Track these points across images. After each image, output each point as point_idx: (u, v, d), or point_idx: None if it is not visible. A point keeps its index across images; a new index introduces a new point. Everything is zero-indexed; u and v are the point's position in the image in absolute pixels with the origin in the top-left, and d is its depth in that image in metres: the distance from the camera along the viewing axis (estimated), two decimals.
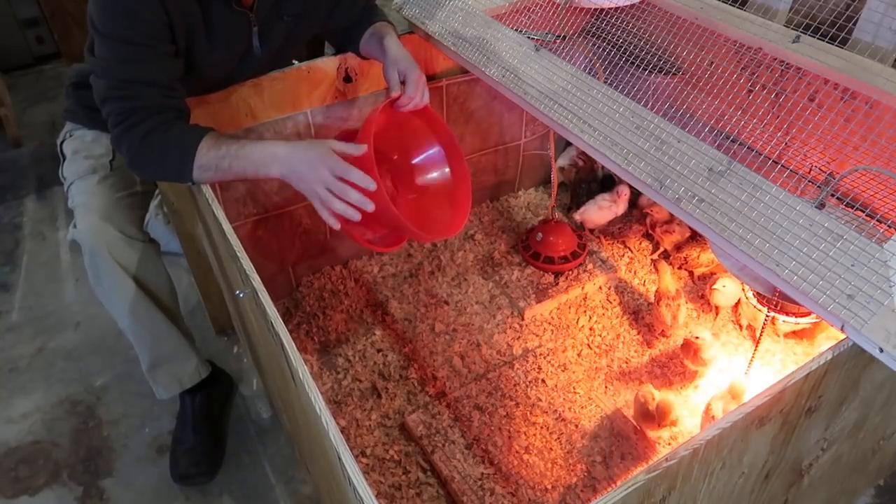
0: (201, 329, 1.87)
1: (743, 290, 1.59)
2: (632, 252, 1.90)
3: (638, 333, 1.68)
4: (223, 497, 1.53)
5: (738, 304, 1.65)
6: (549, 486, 1.37)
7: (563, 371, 1.59)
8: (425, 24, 1.46)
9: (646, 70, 1.21)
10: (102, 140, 1.43)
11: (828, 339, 1.59)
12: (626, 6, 1.36)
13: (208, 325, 1.88)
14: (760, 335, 1.40)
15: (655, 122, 1.02)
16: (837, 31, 1.06)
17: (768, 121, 1.19)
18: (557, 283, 1.79)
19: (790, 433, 0.94)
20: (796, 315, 1.48)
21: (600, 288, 1.81)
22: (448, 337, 1.69)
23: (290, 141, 1.19)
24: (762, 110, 1.19)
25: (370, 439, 1.48)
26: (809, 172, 1.16)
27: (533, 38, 1.28)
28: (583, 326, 1.70)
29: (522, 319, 1.72)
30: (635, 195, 1.92)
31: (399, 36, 1.45)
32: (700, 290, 1.77)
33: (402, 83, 1.30)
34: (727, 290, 1.60)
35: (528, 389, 1.55)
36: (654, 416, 1.37)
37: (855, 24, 1.10)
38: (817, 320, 1.51)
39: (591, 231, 1.94)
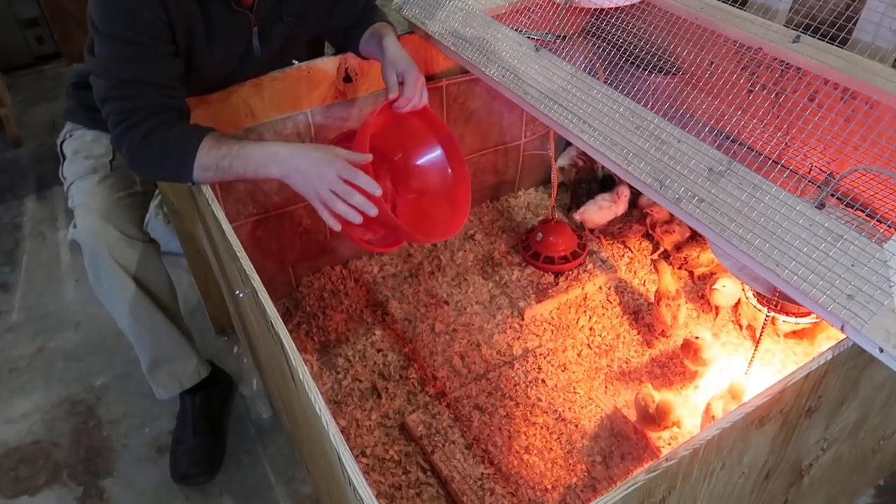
0: (201, 329, 1.87)
1: (743, 290, 1.59)
2: (632, 252, 1.90)
3: (638, 333, 1.68)
4: (223, 497, 1.53)
5: (738, 304, 1.65)
6: (549, 486, 1.37)
7: (563, 371, 1.59)
8: (425, 24, 1.46)
9: (646, 70, 1.21)
10: (102, 140, 1.43)
11: (828, 339, 1.59)
12: (626, 6, 1.36)
13: (208, 325, 1.88)
14: (760, 335, 1.40)
15: (655, 122, 1.02)
16: (837, 31, 1.06)
17: (768, 121, 1.19)
18: (557, 283, 1.79)
19: (790, 433, 0.94)
20: (796, 315, 1.48)
21: (600, 288, 1.81)
22: (448, 337, 1.69)
23: (291, 143, 1.19)
24: (762, 110, 1.19)
25: (370, 439, 1.48)
26: (809, 172, 1.16)
27: (533, 38, 1.28)
28: (583, 326, 1.70)
29: (522, 319, 1.72)
30: (635, 195, 1.92)
31: (399, 36, 1.45)
32: (700, 290, 1.77)
33: (401, 84, 1.30)
34: (727, 290, 1.60)
35: (528, 389, 1.55)
36: (656, 418, 1.37)
37: (855, 24, 1.10)
38: (817, 320, 1.51)
39: (591, 231, 1.94)
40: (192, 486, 1.54)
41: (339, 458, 0.75)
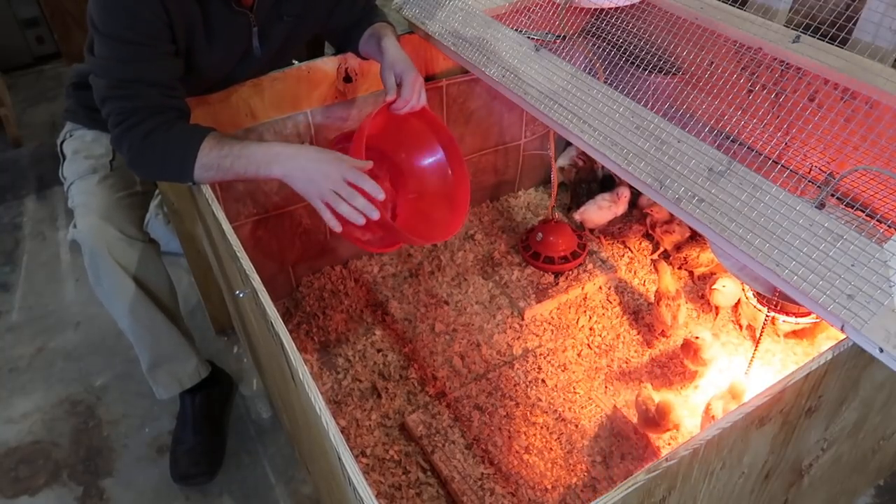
0: (201, 329, 1.87)
1: (743, 290, 1.59)
2: (632, 252, 1.90)
3: (638, 333, 1.68)
4: (223, 497, 1.53)
5: (738, 304, 1.65)
6: (549, 486, 1.37)
7: (563, 371, 1.59)
8: (425, 24, 1.46)
9: (646, 70, 1.21)
10: (102, 140, 1.43)
11: (828, 339, 1.59)
12: (626, 6, 1.36)
13: (208, 325, 1.88)
14: (760, 335, 1.40)
15: (655, 122, 1.02)
16: (837, 31, 1.06)
17: (768, 121, 1.19)
18: (557, 283, 1.79)
19: (790, 433, 0.94)
20: (796, 315, 1.48)
21: (600, 288, 1.81)
22: (448, 337, 1.69)
23: (293, 143, 1.20)
24: (762, 110, 1.19)
25: (370, 439, 1.48)
26: (809, 172, 1.16)
27: (533, 38, 1.28)
28: (583, 326, 1.70)
29: (522, 319, 1.72)
30: (635, 195, 1.92)
31: (399, 36, 1.45)
32: (700, 290, 1.77)
33: (399, 86, 1.30)
34: (727, 290, 1.60)
35: (528, 389, 1.55)
36: (657, 420, 1.37)
37: (855, 24, 1.10)
38: (817, 320, 1.51)
39: (591, 231, 1.94)
40: (192, 486, 1.54)
41: (339, 458, 0.75)
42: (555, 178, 1.83)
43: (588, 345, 1.66)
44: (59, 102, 2.84)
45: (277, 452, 1.60)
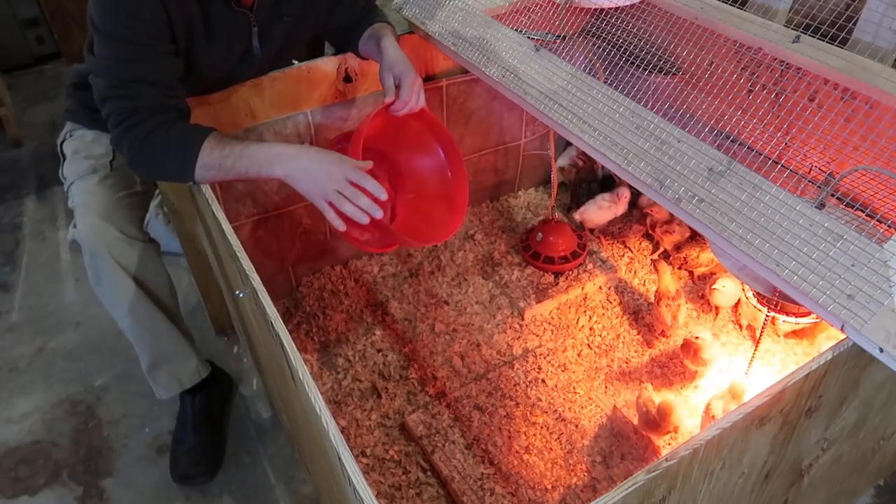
0: (201, 329, 1.87)
1: (743, 290, 1.59)
2: (632, 252, 1.90)
3: (638, 333, 1.68)
4: (223, 497, 1.53)
5: (738, 304, 1.65)
6: (549, 486, 1.37)
7: (563, 371, 1.59)
8: (425, 24, 1.46)
9: (646, 70, 1.21)
10: (102, 140, 1.43)
11: (828, 339, 1.59)
12: (626, 6, 1.36)
13: (208, 325, 1.88)
14: (760, 335, 1.40)
15: (655, 122, 1.02)
16: (837, 31, 1.06)
17: (768, 121, 1.19)
18: (557, 283, 1.79)
19: (790, 433, 0.94)
20: (796, 315, 1.48)
21: (600, 288, 1.81)
22: (448, 337, 1.69)
23: (294, 144, 1.20)
24: (762, 110, 1.19)
25: (370, 439, 1.48)
26: (809, 172, 1.16)
27: (533, 38, 1.28)
28: (583, 326, 1.70)
29: (522, 319, 1.72)
30: (635, 195, 1.92)
31: (398, 37, 1.45)
32: (700, 290, 1.77)
33: (398, 87, 1.30)
34: (727, 290, 1.60)
35: (528, 389, 1.55)
36: (659, 424, 1.37)
37: (855, 24, 1.10)
38: (817, 320, 1.51)
39: (591, 231, 1.94)
40: (192, 486, 1.54)
41: (339, 458, 0.75)
42: (555, 178, 1.83)
43: (588, 345, 1.66)
44: (59, 102, 2.84)
45: (277, 452, 1.60)
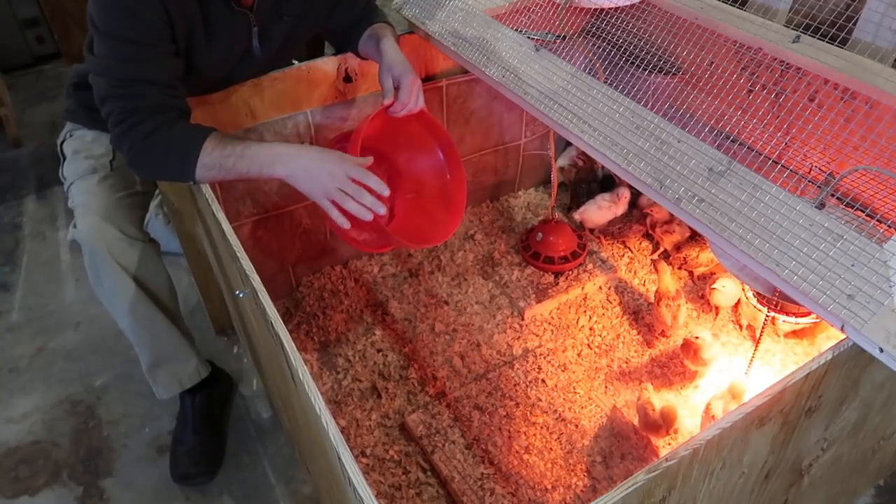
0: (201, 329, 1.87)
1: (743, 290, 1.59)
2: (632, 252, 1.90)
3: (638, 333, 1.68)
4: (223, 497, 1.53)
5: (738, 304, 1.65)
6: (549, 486, 1.37)
7: (563, 371, 1.59)
8: (425, 24, 1.46)
9: (646, 70, 1.21)
10: (102, 140, 1.43)
11: (828, 339, 1.59)
12: (626, 6, 1.36)
13: (208, 325, 1.88)
14: (760, 335, 1.40)
15: (655, 122, 1.02)
16: (837, 31, 1.05)
17: (768, 121, 1.19)
18: (557, 283, 1.79)
19: (790, 433, 0.94)
20: (796, 315, 1.48)
21: (600, 288, 1.81)
22: (448, 337, 1.69)
23: (294, 143, 1.21)
24: (762, 110, 1.19)
25: (370, 439, 1.48)
26: (809, 172, 1.16)
27: (533, 38, 1.28)
28: (583, 326, 1.70)
29: (522, 319, 1.72)
30: (635, 195, 1.93)
31: (398, 37, 1.45)
32: (700, 290, 1.77)
33: (397, 89, 1.30)
34: (727, 290, 1.60)
35: (528, 389, 1.55)
36: (659, 426, 1.37)
37: (855, 24, 1.10)
38: (817, 320, 1.51)
39: (591, 231, 1.94)
40: (192, 486, 1.54)
41: (339, 458, 0.75)
42: (555, 178, 1.83)
43: (588, 345, 1.66)
44: (59, 102, 2.84)
45: (277, 452, 1.60)
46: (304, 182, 1.15)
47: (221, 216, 1.10)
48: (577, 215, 1.91)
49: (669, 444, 1.43)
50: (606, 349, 1.64)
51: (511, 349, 1.65)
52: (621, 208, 1.89)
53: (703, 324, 1.69)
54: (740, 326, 1.66)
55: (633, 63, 1.23)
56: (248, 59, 1.36)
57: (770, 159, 1.17)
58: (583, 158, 2.00)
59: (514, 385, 1.56)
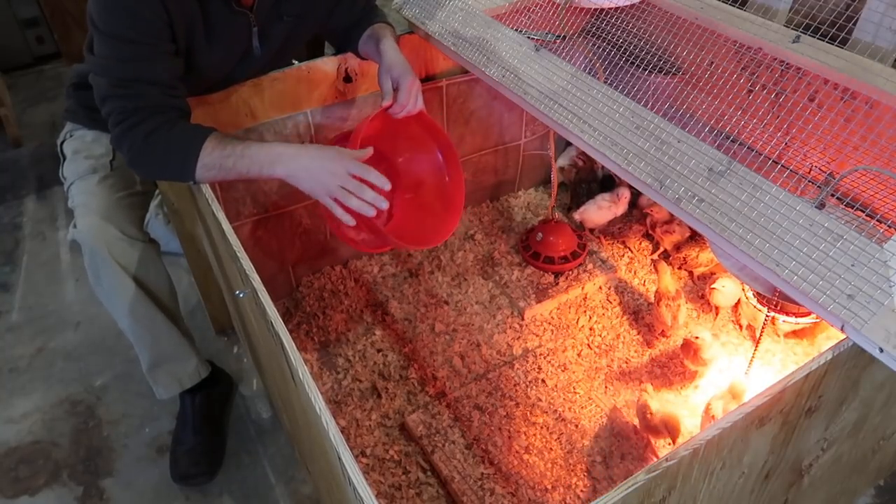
0: (201, 329, 1.87)
1: (743, 290, 1.59)
2: (632, 252, 1.90)
3: (638, 333, 1.68)
4: (223, 497, 1.53)
5: (738, 304, 1.65)
6: (549, 486, 1.37)
7: (563, 371, 1.59)
8: (425, 24, 1.46)
9: (646, 70, 1.21)
10: (103, 140, 1.43)
11: (828, 339, 1.59)
12: (626, 6, 1.36)
13: (208, 325, 1.88)
14: (760, 335, 1.40)
15: (655, 122, 1.02)
16: (837, 31, 1.05)
17: (768, 121, 1.19)
18: (557, 283, 1.79)
19: (790, 433, 0.94)
20: (796, 315, 1.48)
21: (600, 288, 1.81)
22: (448, 337, 1.69)
23: (294, 143, 1.21)
24: (762, 110, 1.19)
25: (370, 439, 1.48)
26: (809, 172, 1.16)
27: (533, 38, 1.28)
28: (583, 326, 1.70)
29: (522, 319, 1.72)
30: (635, 195, 1.93)
31: (398, 37, 1.45)
32: (700, 290, 1.77)
33: (396, 90, 1.30)
34: (727, 290, 1.60)
35: (528, 389, 1.55)
36: (659, 430, 1.37)
37: (855, 24, 1.10)
38: (817, 320, 1.51)
39: (591, 231, 1.94)
40: (192, 486, 1.54)
41: (339, 458, 0.75)
42: (555, 178, 1.83)
43: (588, 345, 1.66)
44: (59, 102, 2.84)
45: (277, 452, 1.60)
46: (306, 181, 1.16)
47: (221, 216, 1.10)
48: (577, 215, 1.91)
49: (669, 444, 1.43)
50: (606, 349, 1.64)
51: (511, 349, 1.65)
52: (621, 208, 1.89)
53: (703, 324, 1.69)
54: (740, 326, 1.66)
55: (633, 63, 1.23)
56: (248, 59, 1.36)
57: (770, 159, 1.17)
58: (583, 158, 2.00)
59: (514, 385, 1.56)
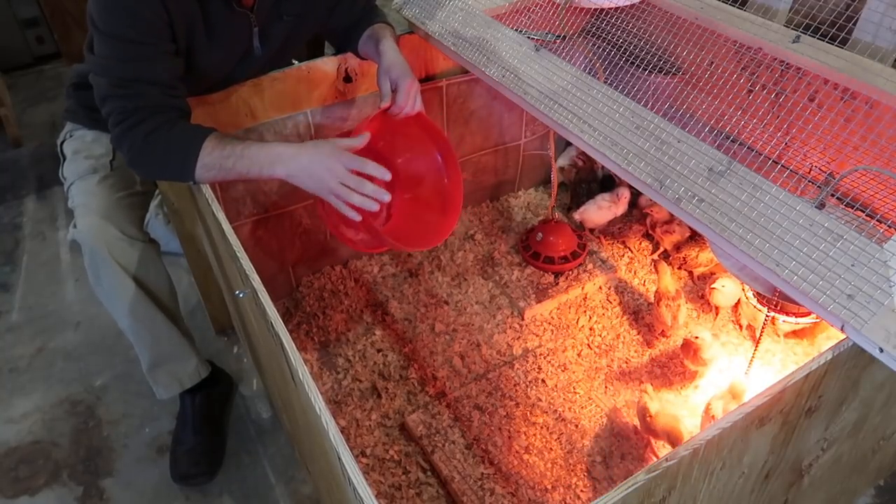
0: (201, 329, 1.87)
1: (743, 290, 1.59)
2: (632, 252, 1.90)
3: (638, 333, 1.68)
4: (223, 497, 1.53)
5: (738, 304, 1.65)
6: (549, 486, 1.37)
7: (563, 371, 1.59)
8: (425, 24, 1.46)
9: (646, 70, 1.21)
10: (103, 140, 1.43)
11: (828, 339, 1.59)
12: (626, 6, 1.36)
13: (208, 325, 1.88)
14: (760, 335, 1.40)
15: (655, 122, 1.02)
16: (837, 31, 1.05)
17: (768, 121, 1.19)
18: (557, 283, 1.79)
19: (790, 433, 0.94)
20: (796, 315, 1.48)
21: (600, 288, 1.81)
22: (448, 337, 1.69)
23: (293, 143, 1.21)
24: (762, 110, 1.19)
25: (370, 439, 1.48)
26: (809, 172, 1.16)
27: (533, 38, 1.28)
28: (583, 326, 1.70)
29: (522, 319, 1.72)
30: (635, 195, 1.93)
31: (398, 37, 1.45)
32: (700, 290, 1.77)
33: (394, 91, 1.30)
34: (727, 290, 1.60)
35: (528, 389, 1.55)
36: (658, 434, 1.37)
37: (855, 24, 1.10)
38: (817, 320, 1.51)
39: (591, 231, 1.94)
40: (192, 486, 1.54)
41: (339, 458, 0.75)
42: (555, 178, 1.83)
43: (588, 345, 1.66)
44: (59, 102, 2.84)
45: (277, 452, 1.60)
46: (306, 181, 1.16)
47: (221, 216, 1.10)
48: (577, 215, 1.91)
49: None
50: (606, 349, 1.64)
51: (511, 349, 1.65)
52: (621, 208, 1.89)
53: (703, 324, 1.69)
54: (740, 326, 1.66)
55: (633, 63, 1.23)
56: (248, 59, 1.36)
57: (770, 159, 1.17)
58: (583, 158, 2.00)
59: (514, 385, 1.56)
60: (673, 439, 1.34)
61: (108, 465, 1.61)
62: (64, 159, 1.45)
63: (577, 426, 1.47)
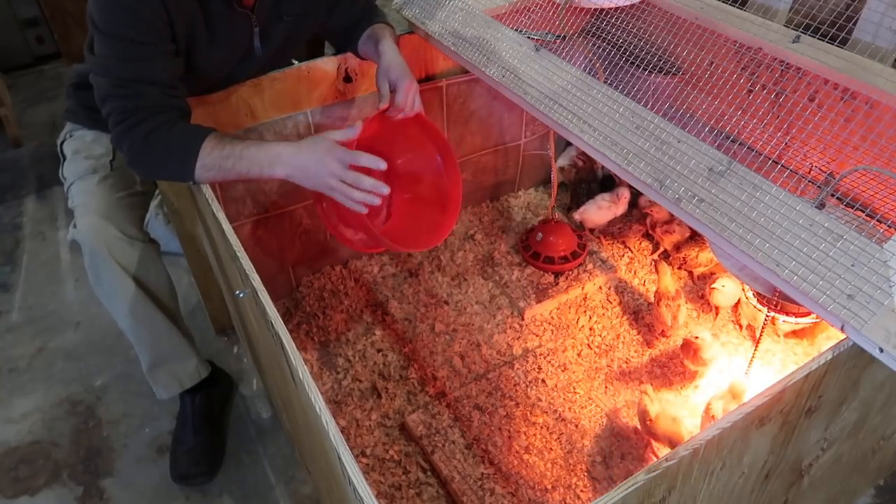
0: (201, 329, 1.87)
1: (743, 290, 1.59)
2: (632, 252, 1.90)
3: (638, 333, 1.68)
4: (223, 497, 1.53)
5: (738, 304, 1.65)
6: (549, 486, 1.37)
7: (563, 371, 1.59)
8: (425, 24, 1.46)
9: (646, 70, 1.21)
10: (103, 140, 1.43)
11: (828, 339, 1.59)
12: (626, 6, 1.36)
13: (208, 325, 1.88)
14: (760, 335, 1.40)
15: (655, 122, 1.02)
16: (837, 31, 1.05)
17: (768, 121, 1.19)
18: (557, 283, 1.79)
19: (790, 433, 0.94)
20: (796, 315, 1.48)
21: (600, 288, 1.81)
22: (448, 337, 1.69)
23: (291, 141, 1.20)
24: (762, 110, 1.19)
25: (370, 439, 1.48)
26: (809, 172, 1.16)
27: (533, 38, 1.28)
28: (583, 326, 1.70)
29: (522, 319, 1.72)
30: (635, 195, 1.93)
31: (398, 37, 1.45)
32: (700, 290, 1.77)
33: (393, 92, 1.30)
34: (727, 290, 1.60)
35: (528, 389, 1.55)
36: (658, 436, 1.37)
37: (855, 24, 1.10)
38: (817, 320, 1.51)
39: (591, 231, 1.94)
40: (192, 486, 1.54)
41: (339, 458, 0.75)
42: (555, 178, 1.83)
43: (588, 345, 1.66)
44: (59, 102, 2.84)
45: (277, 452, 1.60)
46: (306, 181, 1.17)
47: (221, 216, 1.10)
48: (577, 215, 1.91)
49: None
50: (606, 349, 1.64)
51: (511, 349, 1.65)
52: (621, 208, 1.89)
53: (703, 324, 1.69)
54: (740, 326, 1.66)
55: (633, 63, 1.23)
56: (248, 59, 1.36)
57: (770, 159, 1.17)
58: (583, 158, 2.00)
59: (514, 385, 1.56)
60: (674, 443, 1.34)
61: (108, 465, 1.61)
62: (64, 159, 1.45)
63: (577, 426, 1.47)
